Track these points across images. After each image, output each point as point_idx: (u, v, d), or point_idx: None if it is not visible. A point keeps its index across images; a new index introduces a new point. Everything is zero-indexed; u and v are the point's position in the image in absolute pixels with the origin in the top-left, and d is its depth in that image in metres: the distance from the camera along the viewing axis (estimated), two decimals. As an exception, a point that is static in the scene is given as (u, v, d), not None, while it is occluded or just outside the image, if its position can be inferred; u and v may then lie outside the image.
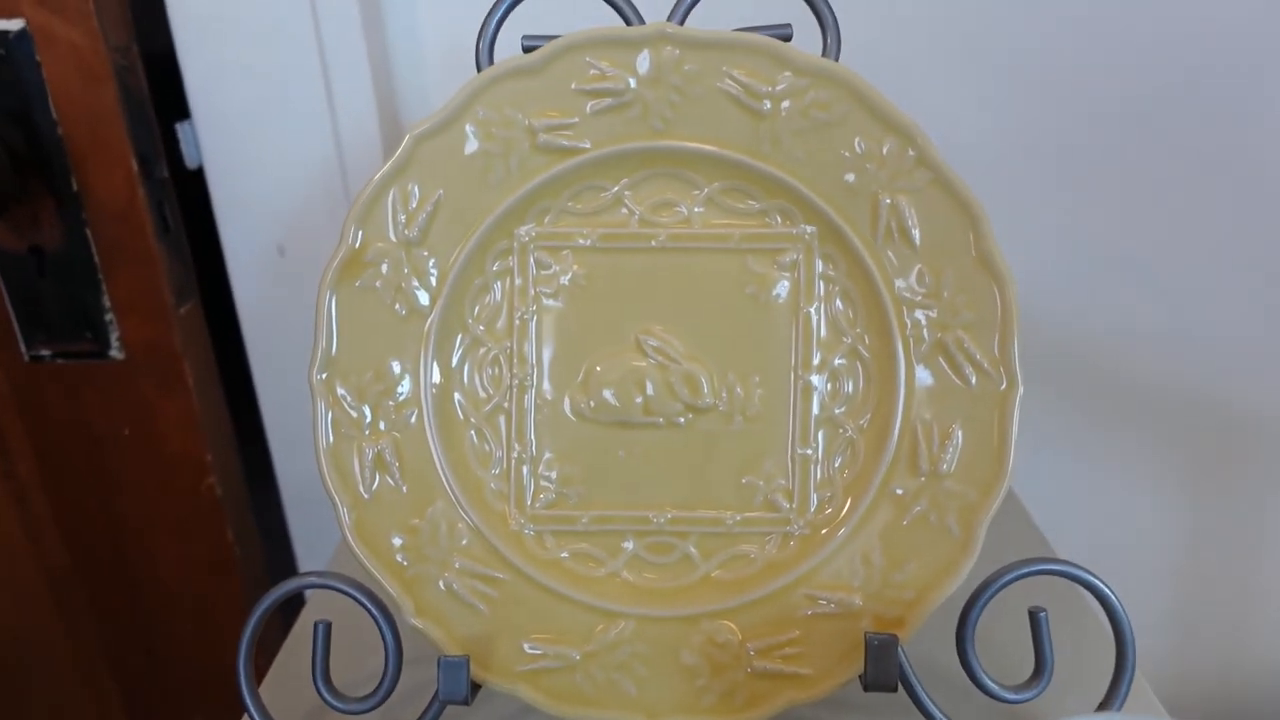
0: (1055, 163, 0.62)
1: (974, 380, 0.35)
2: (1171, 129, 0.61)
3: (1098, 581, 0.35)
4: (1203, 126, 0.60)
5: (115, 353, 0.64)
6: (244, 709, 0.37)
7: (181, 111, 0.61)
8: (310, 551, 0.73)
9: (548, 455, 0.38)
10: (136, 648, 0.76)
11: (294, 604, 0.56)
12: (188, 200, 0.64)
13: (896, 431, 0.36)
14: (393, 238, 0.36)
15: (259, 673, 0.39)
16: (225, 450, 0.70)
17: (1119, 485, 0.71)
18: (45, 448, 0.68)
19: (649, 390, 0.37)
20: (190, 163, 0.63)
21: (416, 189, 0.36)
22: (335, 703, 0.36)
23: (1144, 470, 0.71)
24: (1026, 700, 0.35)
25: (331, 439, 0.36)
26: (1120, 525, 0.72)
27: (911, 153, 0.34)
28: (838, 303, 0.37)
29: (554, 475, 0.38)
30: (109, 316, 0.63)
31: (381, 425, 0.37)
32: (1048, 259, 0.64)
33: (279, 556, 0.76)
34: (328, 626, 0.36)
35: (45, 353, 0.65)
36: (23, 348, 0.65)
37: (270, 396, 0.69)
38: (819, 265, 0.37)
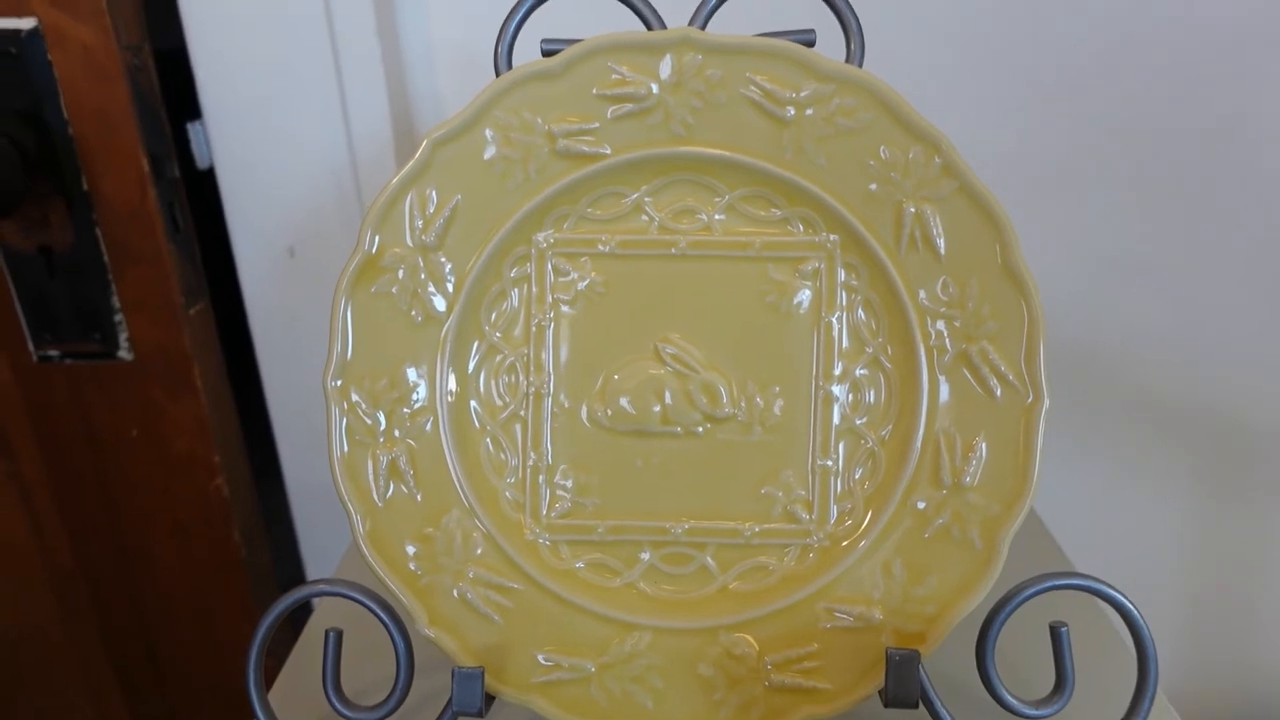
0: (1068, 168, 0.62)
1: (999, 392, 0.34)
2: (1185, 136, 0.60)
3: (1121, 597, 0.34)
4: (1218, 133, 0.60)
5: (124, 353, 0.64)
6: (254, 717, 0.36)
7: (193, 111, 0.61)
8: (317, 554, 0.73)
9: (564, 464, 0.37)
10: (141, 649, 0.76)
11: (302, 607, 0.55)
12: (198, 201, 0.64)
13: (919, 443, 0.35)
14: (410, 243, 0.36)
15: (267, 678, 0.38)
16: (233, 451, 0.70)
17: (1129, 493, 0.71)
18: (52, 448, 0.68)
19: (667, 399, 0.36)
20: (201, 163, 0.63)
21: (434, 194, 0.36)
22: (347, 712, 0.36)
23: (1154, 478, 0.70)
24: (1047, 716, 0.35)
25: (346, 447, 0.36)
26: (1130, 533, 0.72)
27: (937, 160, 0.34)
28: (860, 312, 0.36)
29: (570, 484, 0.37)
30: (118, 317, 0.63)
31: (396, 432, 0.36)
32: (1059, 265, 0.64)
33: (286, 559, 0.75)
34: (339, 635, 0.36)
35: (54, 353, 0.64)
36: (31, 348, 0.64)
37: (279, 399, 0.68)
38: (841, 274, 0.36)
